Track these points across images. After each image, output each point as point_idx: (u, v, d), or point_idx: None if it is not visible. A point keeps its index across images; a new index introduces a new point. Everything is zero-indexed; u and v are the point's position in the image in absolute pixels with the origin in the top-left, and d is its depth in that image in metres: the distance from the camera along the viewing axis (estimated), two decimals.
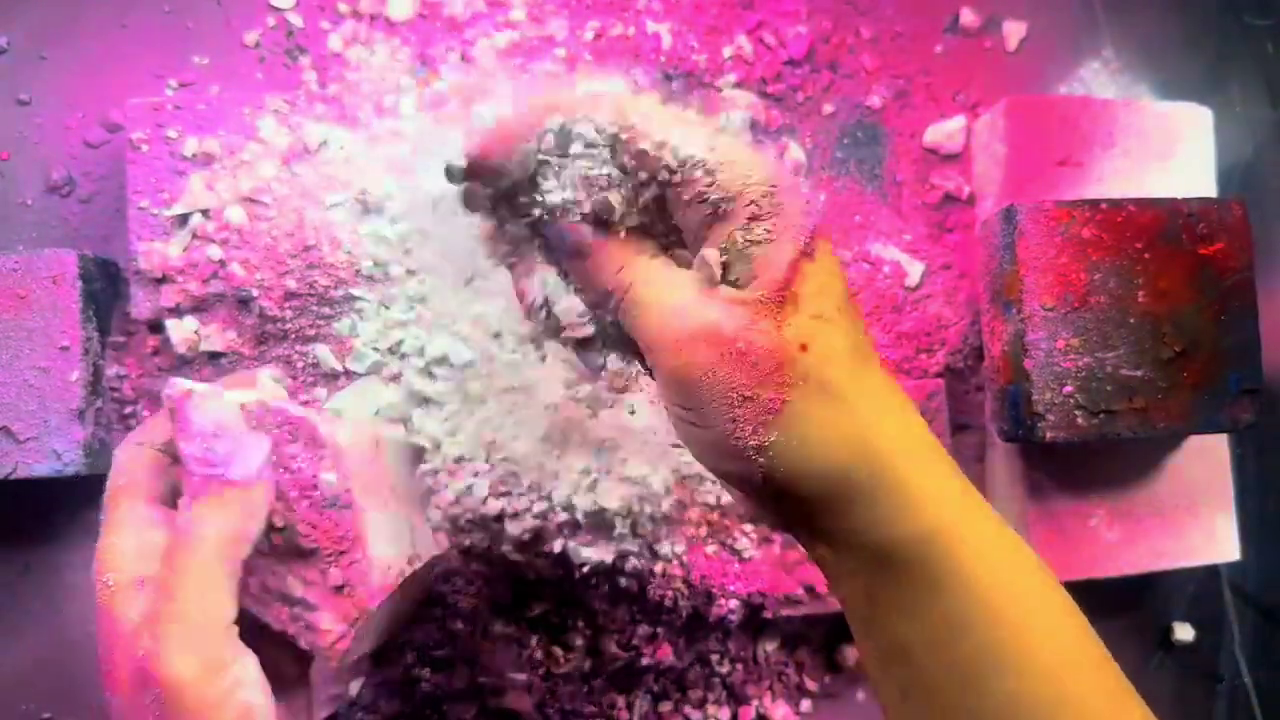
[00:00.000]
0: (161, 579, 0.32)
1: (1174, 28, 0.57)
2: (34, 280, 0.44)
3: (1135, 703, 0.30)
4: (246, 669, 0.32)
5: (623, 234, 0.33)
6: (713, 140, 0.31)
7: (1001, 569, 0.31)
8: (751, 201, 0.30)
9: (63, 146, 0.48)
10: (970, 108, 0.54)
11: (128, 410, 0.47)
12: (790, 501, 0.30)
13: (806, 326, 0.30)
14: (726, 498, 0.50)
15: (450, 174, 0.34)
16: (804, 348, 0.29)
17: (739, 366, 0.29)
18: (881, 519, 0.30)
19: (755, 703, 0.52)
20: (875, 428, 0.30)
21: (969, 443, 0.54)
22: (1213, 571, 0.56)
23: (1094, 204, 0.46)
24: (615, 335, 0.35)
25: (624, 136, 0.32)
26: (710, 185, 0.31)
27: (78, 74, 0.49)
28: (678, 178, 0.31)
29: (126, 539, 0.34)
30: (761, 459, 0.29)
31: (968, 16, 0.54)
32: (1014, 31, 0.55)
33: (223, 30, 0.49)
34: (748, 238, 0.30)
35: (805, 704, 0.53)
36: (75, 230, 0.48)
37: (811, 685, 0.53)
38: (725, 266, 0.31)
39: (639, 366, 0.36)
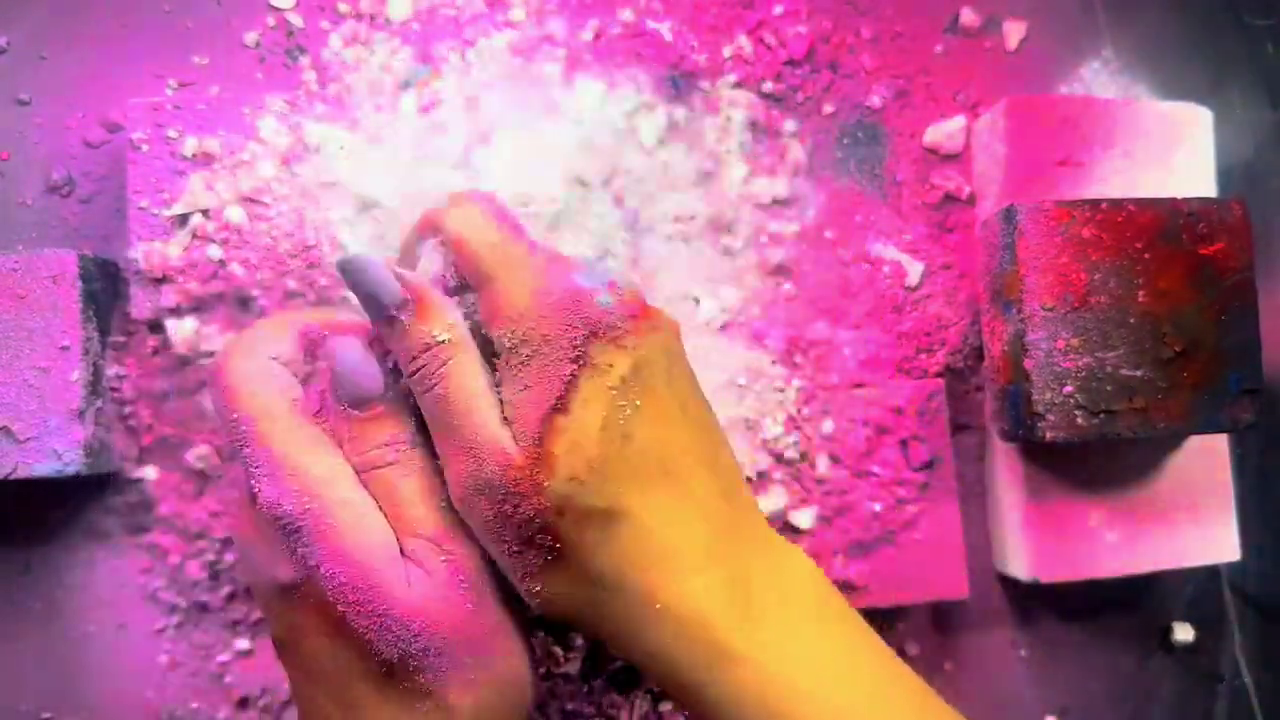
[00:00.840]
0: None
1: (1174, 28, 0.57)
2: (34, 280, 0.44)
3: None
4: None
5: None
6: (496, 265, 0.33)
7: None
8: (516, 341, 0.32)
9: (63, 146, 0.48)
10: (970, 108, 0.54)
11: (128, 410, 0.47)
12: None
13: (561, 490, 0.30)
14: None
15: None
16: (560, 512, 0.30)
17: (508, 527, 0.31)
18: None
19: None
20: (615, 587, 0.32)
21: (969, 443, 0.54)
22: (1213, 571, 0.56)
23: (1094, 204, 0.46)
24: None
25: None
26: (488, 318, 0.33)
27: (78, 74, 0.49)
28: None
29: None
30: (535, 600, 0.32)
31: (968, 16, 0.54)
32: (1014, 31, 0.55)
33: (223, 30, 0.49)
34: (512, 385, 0.31)
35: None
36: (75, 230, 0.48)
37: None
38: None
39: None
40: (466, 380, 0.32)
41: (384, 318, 0.33)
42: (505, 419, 0.31)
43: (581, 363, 0.31)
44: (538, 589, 0.32)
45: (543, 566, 0.31)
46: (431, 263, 0.35)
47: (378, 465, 0.33)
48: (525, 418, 0.31)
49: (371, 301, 0.33)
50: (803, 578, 0.33)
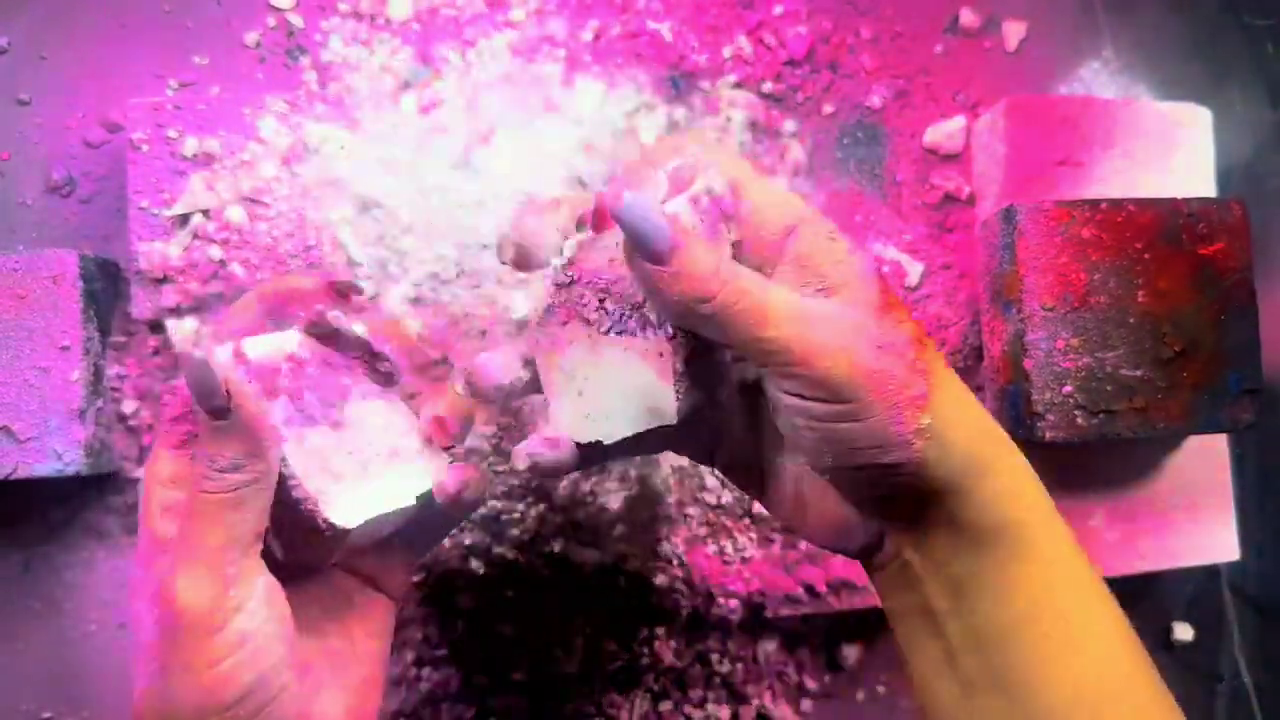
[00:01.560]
0: (185, 503, 0.32)
1: (1174, 28, 0.57)
2: (34, 280, 0.44)
3: (1171, 703, 0.33)
4: (253, 591, 0.32)
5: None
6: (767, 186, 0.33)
7: (1081, 557, 0.33)
8: (824, 227, 0.32)
9: (63, 146, 0.48)
10: (970, 108, 0.54)
11: (128, 410, 0.47)
12: (926, 486, 0.32)
13: (913, 322, 0.32)
14: (727, 497, 0.50)
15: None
16: (923, 343, 0.32)
17: (895, 361, 0.31)
18: (1002, 494, 0.32)
19: (755, 702, 0.52)
20: (985, 412, 0.33)
21: None
22: (1212, 571, 0.57)
23: (1094, 204, 0.46)
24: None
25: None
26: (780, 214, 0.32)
27: (78, 74, 0.49)
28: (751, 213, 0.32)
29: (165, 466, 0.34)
30: (919, 442, 0.31)
31: (967, 17, 0.54)
32: (1014, 31, 0.55)
33: (223, 30, 0.49)
34: (832, 254, 0.31)
35: (805, 704, 0.53)
36: (75, 230, 0.48)
37: (812, 685, 0.53)
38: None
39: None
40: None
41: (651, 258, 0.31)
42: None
43: (918, 344, 0.32)
44: (927, 423, 0.31)
45: (925, 399, 0.31)
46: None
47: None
48: (863, 274, 0.31)
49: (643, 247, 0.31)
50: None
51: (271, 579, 0.33)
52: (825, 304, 0.31)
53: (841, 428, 0.31)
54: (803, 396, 0.31)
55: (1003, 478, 0.32)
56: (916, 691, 0.35)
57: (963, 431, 0.32)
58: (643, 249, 0.30)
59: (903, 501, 0.32)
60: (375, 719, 0.37)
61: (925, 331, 0.33)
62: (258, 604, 0.32)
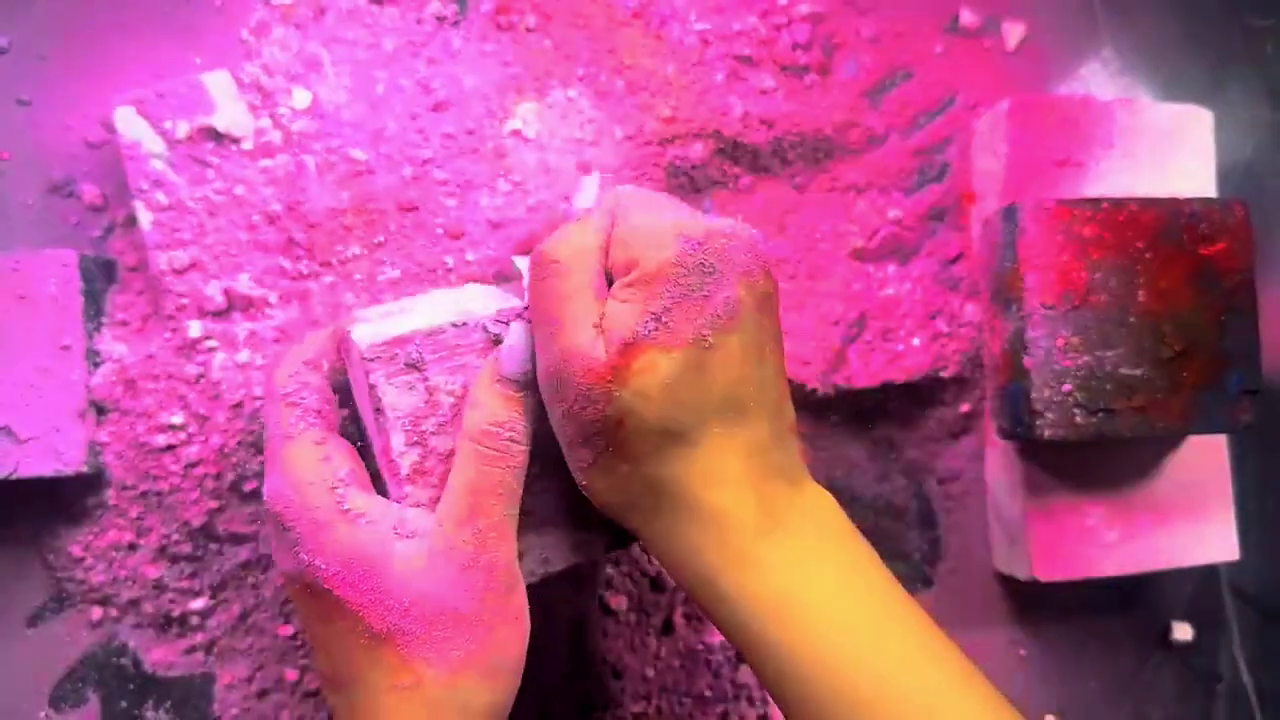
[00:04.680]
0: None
1: (1174, 28, 0.57)
2: (35, 280, 0.44)
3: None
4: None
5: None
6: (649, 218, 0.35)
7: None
8: (628, 258, 0.34)
9: (63, 146, 0.48)
10: (970, 108, 0.54)
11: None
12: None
13: (628, 402, 0.32)
14: None
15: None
16: (620, 423, 0.33)
17: (572, 423, 0.34)
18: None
19: (758, 704, 0.52)
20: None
21: (969, 443, 0.54)
22: (1212, 571, 0.57)
23: (1095, 203, 0.47)
24: None
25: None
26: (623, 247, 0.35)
27: (78, 74, 0.49)
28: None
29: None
30: (586, 492, 0.35)
31: (967, 17, 0.54)
32: (1014, 32, 0.55)
33: (223, 30, 0.49)
34: (615, 297, 0.33)
35: None
36: (75, 230, 0.48)
37: None
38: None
39: None
40: (569, 285, 0.34)
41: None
42: (599, 327, 0.33)
43: (681, 290, 0.32)
44: (585, 483, 0.35)
45: (593, 464, 0.34)
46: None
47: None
48: (616, 328, 0.33)
49: None
50: (826, 513, 0.35)
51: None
52: (588, 344, 0.33)
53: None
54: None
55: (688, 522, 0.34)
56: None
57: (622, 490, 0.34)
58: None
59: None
60: None
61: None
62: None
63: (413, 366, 0.36)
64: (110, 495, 0.46)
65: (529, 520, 0.37)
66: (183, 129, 0.45)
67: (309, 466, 0.35)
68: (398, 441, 0.36)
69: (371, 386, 0.35)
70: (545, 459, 0.36)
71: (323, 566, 0.34)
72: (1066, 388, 0.46)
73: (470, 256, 0.46)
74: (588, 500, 0.36)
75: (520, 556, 0.36)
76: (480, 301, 0.38)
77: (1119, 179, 0.51)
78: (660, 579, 0.49)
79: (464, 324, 0.36)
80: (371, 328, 0.36)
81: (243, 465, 0.45)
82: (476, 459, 0.35)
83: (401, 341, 0.35)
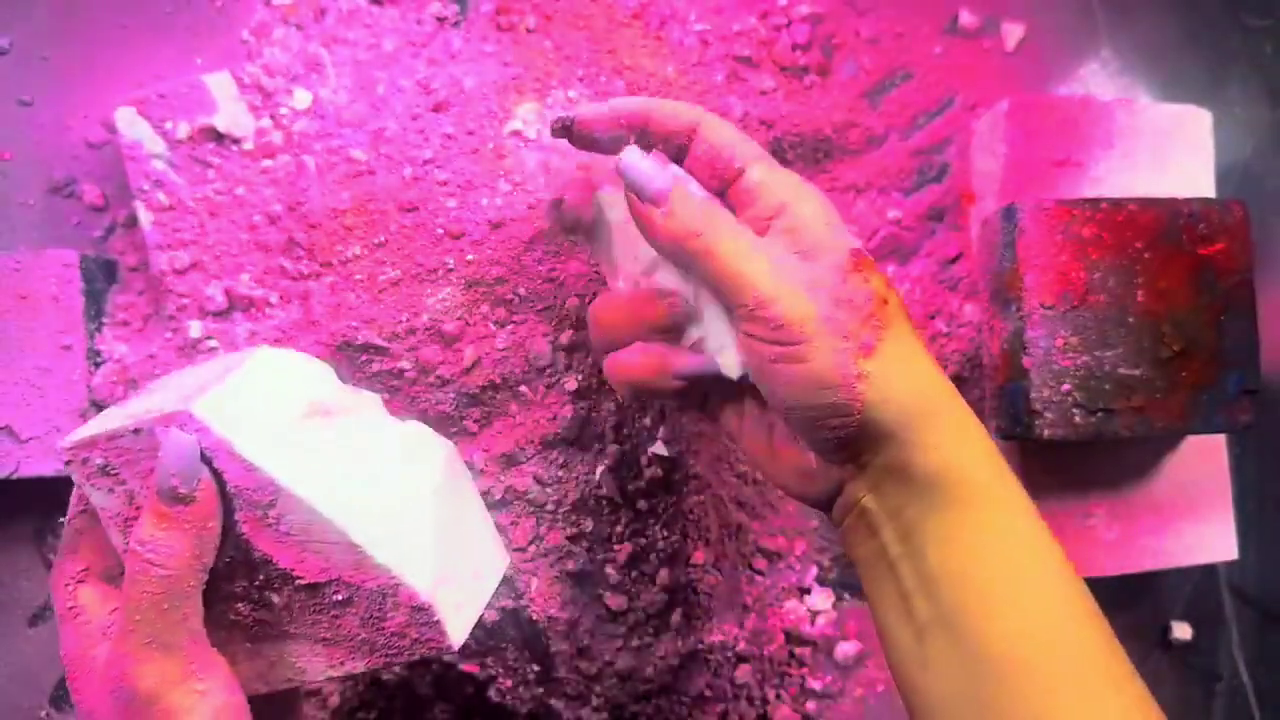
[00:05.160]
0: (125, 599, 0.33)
1: (1174, 28, 0.57)
2: (36, 280, 0.44)
3: (1123, 655, 0.36)
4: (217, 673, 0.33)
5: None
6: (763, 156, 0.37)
7: (1030, 511, 0.35)
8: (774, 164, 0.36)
9: (64, 146, 0.48)
10: (970, 108, 0.54)
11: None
12: (870, 430, 0.34)
13: (883, 283, 0.35)
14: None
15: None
16: (885, 301, 0.35)
17: (850, 313, 0.34)
18: (946, 442, 0.34)
19: (757, 703, 0.52)
20: (937, 369, 0.36)
21: None
22: (1211, 571, 0.57)
23: (1095, 203, 0.47)
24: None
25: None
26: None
27: (79, 74, 0.49)
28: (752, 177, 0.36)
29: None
30: (861, 385, 0.34)
31: (966, 17, 0.54)
32: (1013, 32, 0.55)
33: (224, 31, 0.49)
34: (817, 217, 0.35)
35: (810, 705, 0.53)
36: (76, 230, 0.48)
37: (814, 685, 0.53)
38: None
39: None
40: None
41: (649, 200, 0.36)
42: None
43: (878, 300, 0.34)
44: (870, 368, 0.34)
45: (872, 348, 0.34)
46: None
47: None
48: (841, 235, 0.35)
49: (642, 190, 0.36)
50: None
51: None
52: (793, 258, 0.35)
53: (791, 369, 0.34)
54: (762, 340, 0.34)
55: (948, 430, 0.34)
56: (879, 638, 0.37)
57: (906, 383, 0.34)
58: (641, 194, 0.36)
59: (854, 446, 0.35)
60: None
61: (891, 290, 0.35)
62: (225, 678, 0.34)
63: (104, 471, 0.33)
64: None
65: (267, 630, 0.35)
66: (183, 129, 0.45)
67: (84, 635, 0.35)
68: (116, 540, 0.34)
69: (77, 487, 0.34)
70: (267, 571, 0.34)
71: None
72: (1065, 388, 0.46)
73: (470, 257, 0.46)
74: (332, 610, 0.34)
75: (271, 666, 0.35)
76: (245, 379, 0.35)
77: (1118, 179, 0.51)
78: (661, 579, 0.50)
79: (137, 430, 0.33)
80: (82, 430, 0.34)
81: None
82: (127, 578, 0.33)
83: (89, 445, 0.33)
